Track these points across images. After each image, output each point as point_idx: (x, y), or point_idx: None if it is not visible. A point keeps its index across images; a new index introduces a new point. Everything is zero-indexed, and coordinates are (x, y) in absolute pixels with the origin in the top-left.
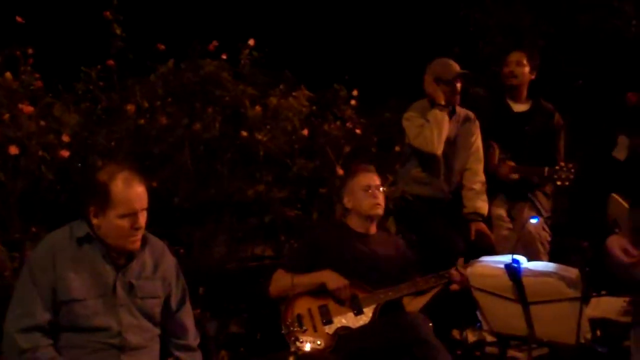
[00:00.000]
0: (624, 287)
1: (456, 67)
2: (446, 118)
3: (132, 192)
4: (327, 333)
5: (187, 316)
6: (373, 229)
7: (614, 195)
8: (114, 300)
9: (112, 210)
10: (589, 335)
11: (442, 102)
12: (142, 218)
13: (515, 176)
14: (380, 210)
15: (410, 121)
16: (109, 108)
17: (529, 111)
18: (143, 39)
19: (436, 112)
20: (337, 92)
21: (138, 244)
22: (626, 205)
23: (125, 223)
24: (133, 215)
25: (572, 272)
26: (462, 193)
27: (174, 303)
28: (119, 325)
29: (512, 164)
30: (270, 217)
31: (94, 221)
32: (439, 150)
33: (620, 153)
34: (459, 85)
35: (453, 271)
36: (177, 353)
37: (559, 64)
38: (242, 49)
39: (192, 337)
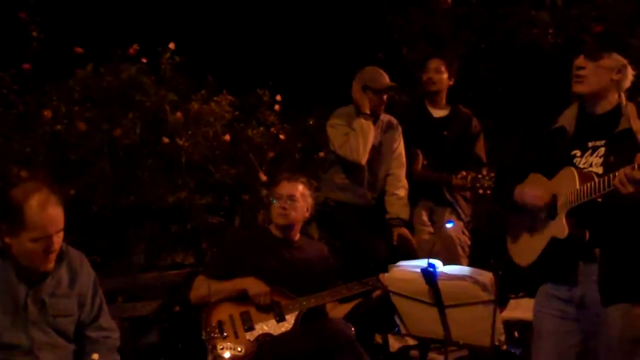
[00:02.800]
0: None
1: (386, 79)
2: (372, 127)
3: (46, 215)
4: (249, 340)
5: (98, 330)
6: (296, 236)
7: (534, 173)
8: (25, 317)
9: (24, 232)
10: (503, 337)
11: (368, 111)
12: (57, 240)
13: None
14: (283, 220)
15: (335, 129)
16: (24, 113)
17: (448, 116)
18: (61, 42)
19: (362, 121)
20: (260, 97)
21: (51, 265)
22: (545, 178)
23: (38, 246)
24: (47, 238)
25: (486, 276)
26: (384, 198)
27: (86, 318)
28: (31, 343)
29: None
30: (192, 224)
31: (6, 239)
32: (364, 159)
33: (557, 124)
34: (385, 97)
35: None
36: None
37: (479, 71)
38: (163, 52)
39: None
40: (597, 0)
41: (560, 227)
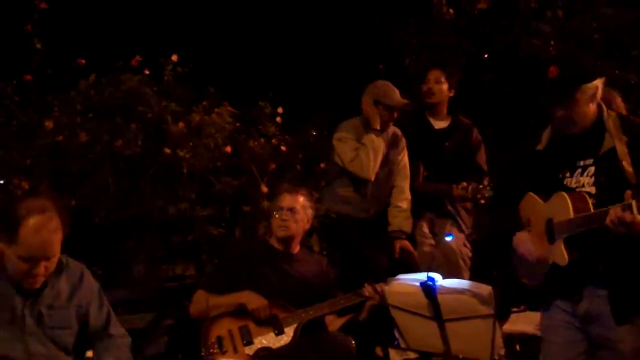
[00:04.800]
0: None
1: (399, 96)
2: (382, 144)
3: (38, 240)
4: (248, 354)
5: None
6: (296, 248)
7: (530, 193)
8: (22, 329)
9: (14, 247)
10: (502, 352)
11: (378, 127)
12: (46, 265)
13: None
14: (283, 232)
15: (344, 143)
16: (26, 124)
17: (449, 127)
18: (63, 53)
19: (373, 137)
20: (261, 109)
21: (37, 285)
22: (541, 201)
23: (23, 265)
24: (33, 261)
25: (485, 290)
26: (387, 210)
27: (94, 328)
28: (27, 356)
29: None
30: (193, 236)
31: (0, 245)
32: (373, 176)
33: (542, 145)
34: (396, 114)
35: (366, 288)
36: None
37: (481, 82)
38: (165, 64)
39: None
40: (598, 11)
41: (559, 255)
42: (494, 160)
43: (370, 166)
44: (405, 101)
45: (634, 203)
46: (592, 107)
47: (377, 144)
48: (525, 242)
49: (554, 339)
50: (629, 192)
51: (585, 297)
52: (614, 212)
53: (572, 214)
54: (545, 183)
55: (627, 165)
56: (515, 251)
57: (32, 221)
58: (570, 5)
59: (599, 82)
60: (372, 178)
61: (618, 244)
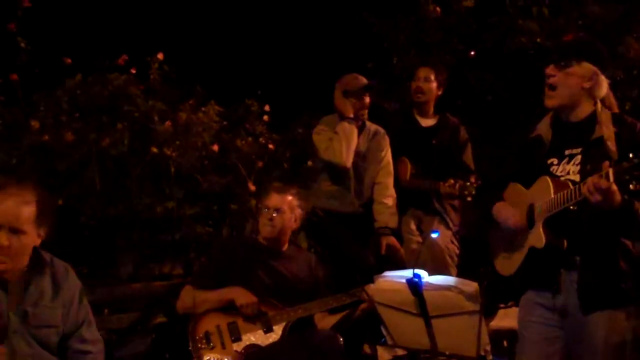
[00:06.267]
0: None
1: (363, 80)
2: (355, 130)
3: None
4: (236, 351)
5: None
6: (284, 246)
7: (514, 183)
8: (6, 327)
9: None
10: (488, 347)
11: (351, 115)
12: (12, 240)
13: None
14: (268, 232)
15: (320, 135)
16: (12, 124)
17: (436, 125)
18: (50, 52)
19: (345, 125)
20: (248, 107)
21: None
22: (524, 188)
23: None
24: None
25: (471, 286)
26: (372, 207)
27: (68, 329)
28: (12, 354)
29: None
30: (181, 234)
31: None
32: (349, 162)
33: (534, 133)
34: (367, 99)
35: (364, 293)
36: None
37: (468, 80)
38: (152, 63)
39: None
40: (584, 9)
41: (537, 237)
42: (481, 157)
43: (343, 152)
44: (368, 82)
45: (611, 171)
46: (584, 96)
47: (349, 131)
48: (506, 208)
49: (530, 335)
50: (606, 162)
51: (563, 291)
52: (591, 180)
53: (552, 196)
54: (532, 171)
55: (611, 144)
56: (496, 220)
57: (3, 188)
58: (556, 3)
59: (602, 77)
60: (348, 164)
61: (593, 228)
